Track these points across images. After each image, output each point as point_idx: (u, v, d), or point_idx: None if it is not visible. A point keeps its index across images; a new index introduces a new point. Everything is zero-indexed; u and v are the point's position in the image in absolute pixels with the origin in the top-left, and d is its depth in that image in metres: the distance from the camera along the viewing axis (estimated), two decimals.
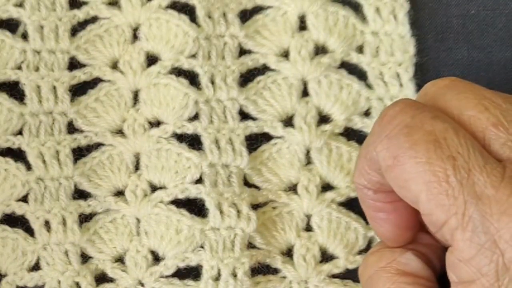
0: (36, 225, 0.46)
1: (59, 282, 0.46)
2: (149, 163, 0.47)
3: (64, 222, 0.46)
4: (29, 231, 0.46)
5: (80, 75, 0.48)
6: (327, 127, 0.48)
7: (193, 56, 0.48)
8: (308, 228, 0.48)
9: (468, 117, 0.35)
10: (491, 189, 0.33)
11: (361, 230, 0.47)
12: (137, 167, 0.48)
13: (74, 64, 0.48)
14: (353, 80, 0.49)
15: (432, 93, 0.37)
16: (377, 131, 0.36)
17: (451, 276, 0.35)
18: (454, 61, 0.50)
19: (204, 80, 0.48)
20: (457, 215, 0.33)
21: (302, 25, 0.49)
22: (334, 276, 0.47)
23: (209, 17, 0.49)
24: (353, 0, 0.50)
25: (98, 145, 0.48)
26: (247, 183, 0.48)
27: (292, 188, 0.48)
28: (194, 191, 0.47)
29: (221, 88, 0.48)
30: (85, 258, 0.47)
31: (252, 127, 0.48)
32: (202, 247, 0.46)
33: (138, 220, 0.47)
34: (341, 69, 0.49)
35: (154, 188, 0.47)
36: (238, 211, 0.46)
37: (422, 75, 0.49)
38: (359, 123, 0.48)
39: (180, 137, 0.48)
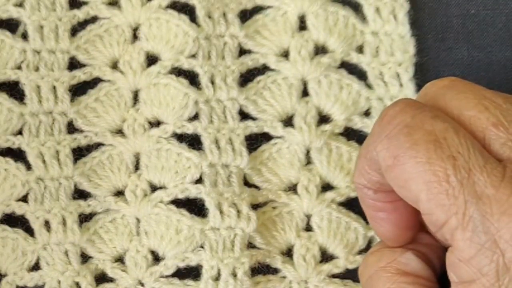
0: (36, 225, 0.46)
1: (59, 282, 0.46)
2: (149, 163, 0.47)
3: (64, 222, 0.46)
4: (29, 231, 0.46)
5: (80, 75, 0.48)
6: (327, 127, 0.48)
7: (193, 56, 0.48)
8: (308, 228, 0.48)
9: (468, 117, 0.35)
10: (491, 189, 0.33)
11: (361, 230, 0.47)
12: (137, 167, 0.48)
13: (74, 64, 0.48)
14: (353, 80, 0.49)
15: (432, 93, 0.37)
16: (377, 131, 0.36)
17: (452, 276, 0.35)
18: (454, 61, 0.50)
19: (204, 80, 0.48)
20: (457, 214, 0.33)
21: (302, 25, 0.49)
22: (334, 276, 0.47)
23: (209, 17, 0.49)
24: (353, 0, 0.50)
25: (98, 145, 0.48)
26: (247, 183, 0.48)
27: (292, 188, 0.48)
28: (194, 191, 0.47)
29: (221, 88, 0.48)
30: (85, 258, 0.47)
31: (252, 127, 0.48)
32: (202, 247, 0.46)
33: (138, 220, 0.47)
34: (341, 69, 0.49)
35: (154, 188, 0.47)
36: (238, 211, 0.46)
37: (422, 75, 0.49)
38: (359, 123, 0.48)
39: (180, 137, 0.48)
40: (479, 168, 0.33)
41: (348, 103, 0.48)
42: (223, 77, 0.48)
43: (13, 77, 0.47)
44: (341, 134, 0.49)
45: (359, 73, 0.49)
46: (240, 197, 0.47)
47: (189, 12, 0.49)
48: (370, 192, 0.39)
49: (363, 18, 0.49)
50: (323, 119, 0.49)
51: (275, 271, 0.47)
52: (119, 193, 0.48)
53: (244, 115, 0.48)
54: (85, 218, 0.47)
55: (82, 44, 0.48)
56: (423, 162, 0.34)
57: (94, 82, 0.48)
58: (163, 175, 0.47)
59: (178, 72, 0.48)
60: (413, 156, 0.34)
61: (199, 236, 0.46)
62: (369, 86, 0.49)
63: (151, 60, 0.49)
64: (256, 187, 0.48)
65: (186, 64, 0.48)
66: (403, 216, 0.39)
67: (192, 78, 0.48)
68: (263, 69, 0.49)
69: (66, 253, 0.46)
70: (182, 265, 0.46)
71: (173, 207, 0.47)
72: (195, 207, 0.47)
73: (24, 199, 0.46)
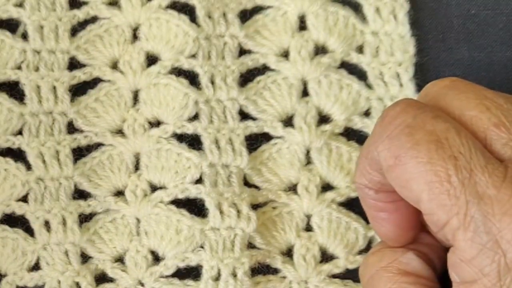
0: (36, 225, 0.46)
1: (59, 282, 0.46)
2: (149, 163, 0.47)
3: (64, 222, 0.46)
4: (29, 231, 0.46)
5: (80, 75, 0.48)
6: (327, 127, 0.48)
7: (193, 56, 0.48)
8: (308, 228, 0.48)
9: (469, 117, 0.35)
10: (493, 189, 0.33)
11: (361, 230, 0.47)
12: (137, 167, 0.48)
13: (74, 64, 0.48)
14: (353, 80, 0.49)
15: (433, 93, 0.37)
16: (378, 131, 0.36)
17: (453, 276, 0.35)
18: (454, 61, 0.50)
19: (204, 80, 0.48)
20: (459, 215, 0.33)
21: (302, 25, 0.49)
22: (334, 276, 0.47)
23: (209, 17, 0.49)
24: (353, 0, 0.50)
25: (98, 145, 0.48)
26: (247, 183, 0.48)
27: (292, 188, 0.48)
28: (194, 191, 0.47)
29: (221, 88, 0.48)
30: (85, 258, 0.46)
31: (252, 127, 0.48)
32: (202, 247, 0.46)
33: (138, 220, 0.47)
34: (341, 69, 0.49)
35: (154, 188, 0.47)
36: (238, 211, 0.46)
37: (422, 75, 0.49)
38: (359, 123, 0.48)
39: (180, 137, 0.48)
40: (481, 169, 0.33)
41: (348, 103, 0.48)
42: (223, 77, 0.48)
43: (13, 77, 0.47)
44: (341, 134, 0.49)
45: (359, 73, 0.49)
46: (240, 197, 0.47)
47: (189, 12, 0.49)
48: (371, 192, 0.39)
49: (363, 18, 0.49)
50: (323, 119, 0.49)
51: (275, 271, 0.47)
52: (119, 193, 0.47)
53: (244, 115, 0.48)
54: (85, 218, 0.47)
55: (82, 44, 0.48)
56: (425, 162, 0.34)
57: (94, 82, 0.48)
58: (163, 175, 0.47)
59: (178, 72, 0.48)
60: (414, 156, 0.34)
61: (199, 236, 0.46)
62: (369, 86, 0.49)
63: (151, 60, 0.49)
64: (256, 187, 0.48)
65: (186, 64, 0.48)
66: (404, 216, 0.39)
67: (192, 78, 0.48)
68: (263, 69, 0.49)
69: (66, 253, 0.46)
70: (182, 265, 0.46)
71: (173, 207, 0.47)
72: (195, 207, 0.47)
73: (24, 199, 0.46)
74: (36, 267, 0.46)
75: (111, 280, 0.47)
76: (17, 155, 0.47)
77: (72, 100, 0.48)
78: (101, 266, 0.47)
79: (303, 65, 0.48)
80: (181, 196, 0.47)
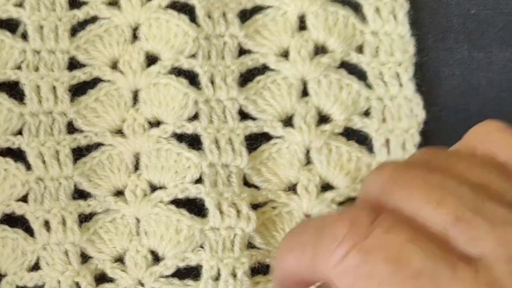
0: (36, 225, 0.46)
1: (59, 282, 0.46)
2: (149, 163, 0.47)
3: (64, 222, 0.46)
4: (29, 231, 0.46)
5: (80, 75, 0.48)
6: (327, 127, 0.48)
7: (193, 56, 0.48)
8: None
9: (423, 218, 0.30)
10: None
11: None
12: (137, 167, 0.48)
13: (74, 64, 0.48)
14: (353, 80, 0.49)
15: (376, 190, 0.33)
16: (325, 253, 0.31)
17: None
18: (454, 61, 0.50)
19: (204, 80, 0.48)
20: None
21: (302, 25, 0.49)
22: None
23: (209, 17, 0.49)
24: (353, 0, 0.50)
25: (98, 145, 0.48)
26: (247, 183, 0.48)
27: (292, 188, 0.48)
28: (194, 191, 0.47)
29: (221, 88, 0.48)
30: (85, 258, 0.47)
31: (252, 127, 0.48)
32: (202, 247, 0.46)
33: (138, 220, 0.47)
34: (341, 69, 0.49)
35: (154, 188, 0.47)
36: (238, 211, 0.46)
37: (422, 75, 0.49)
38: (359, 123, 0.48)
39: (180, 137, 0.48)
40: (449, 280, 0.29)
41: (348, 103, 0.48)
42: (223, 77, 0.48)
43: (13, 77, 0.47)
44: (341, 134, 0.49)
45: (359, 73, 0.49)
46: (240, 197, 0.47)
47: (189, 12, 0.49)
48: None
49: (363, 18, 0.49)
50: (323, 119, 0.49)
51: None
52: (119, 193, 0.47)
53: (244, 115, 0.48)
54: (85, 218, 0.47)
55: (82, 44, 0.48)
56: (387, 284, 0.29)
57: (94, 82, 0.48)
58: (163, 175, 0.47)
59: (178, 72, 0.48)
60: (371, 278, 0.30)
61: (199, 236, 0.46)
62: (369, 86, 0.49)
63: (151, 60, 0.49)
64: (256, 187, 0.48)
65: (186, 64, 0.48)
66: None
67: (192, 78, 0.48)
68: (263, 69, 0.49)
69: (66, 253, 0.46)
70: (182, 265, 0.46)
71: (173, 207, 0.47)
72: (195, 207, 0.47)
73: (24, 199, 0.46)
74: (36, 267, 0.46)
75: (111, 280, 0.47)
76: (17, 155, 0.47)
77: (72, 100, 0.48)
78: (101, 266, 0.47)
79: (303, 65, 0.48)
80: (181, 196, 0.47)
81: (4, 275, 0.46)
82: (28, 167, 0.47)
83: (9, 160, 0.47)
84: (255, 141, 0.48)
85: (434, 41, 0.50)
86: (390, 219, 0.31)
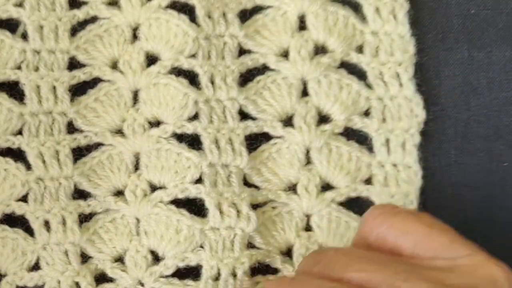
0: (35, 225, 0.46)
1: (59, 282, 0.46)
2: (149, 163, 0.47)
3: (64, 222, 0.46)
4: (29, 231, 0.46)
5: (80, 75, 0.48)
6: (326, 127, 0.48)
7: (193, 56, 0.48)
8: (308, 228, 0.48)
9: None
10: None
11: None
12: (137, 167, 0.48)
13: (74, 64, 0.48)
14: (353, 80, 0.49)
15: None
16: None
17: None
18: (454, 61, 0.50)
19: (204, 80, 0.48)
20: None
21: (302, 25, 0.49)
22: None
23: (209, 17, 0.49)
24: (353, 0, 0.50)
25: (98, 145, 0.48)
26: (246, 183, 0.48)
27: (292, 188, 0.48)
28: (194, 191, 0.47)
29: (220, 88, 0.48)
30: (85, 258, 0.47)
31: (252, 127, 0.48)
32: (202, 247, 0.46)
33: (138, 220, 0.47)
34: (341, 69, 0.49)
35: (154, 188, 0.47)
36: (238, 211, 0.46)
37: (422, 75, 0.49)
38: (359, 123, 0.48)
39: (180, 137, 0.48)
40: None
41: (348, 103, 0.48)
42: (223, 77, 0.48)
43: (13, 77, 0.47)
44: (341, 134, 0.49)
45: (359, 73, 0.49)
46: (240, 197, 0.47)
47: (189, 12, 0.49)
48: None
49: (363, 18, 0.49)
50: (323, 119, 0.49)
51: (275, 271, 0.47)
52: (119, 193, 0.48)
53: (244, 115, 0.48)
54: (85, 218, 0.47)
55: (82, 44, 0.48)
56: None
57: (94, 82, 0.48)
58: (163, 175, 0.47)
59: (178, 72, 0.48)
60: None
61: (199, 236, 0.46)
62: (369, 86, 0.49)
63: (151, 60, 0.49)
64: (256, 187, 0.48)
65: (186, 64, 0.48)
66: None
67: (192, 78, 0.48)
68: (263, 69, 0.49)
69: (66, 253, 0.46)
70: (182, 265, 0.46)
71: (173, 207, 0.47)
72: (195, 207, 0.47)
73: (24, 199, 0.46)
74: (36, 267, 0.46)
75: (111, 280, 0.47)
76: (17, 155, 0.47)
77: (72, 100, 0.48)
78: (101, 266, 0.47)
79: (303, 65, 0.48)
80: (181, 196, 0.47)
81: (4, 275, 0.46)
82: (28, 167, 0.47)
83: (9, 160, 0.47)
84: (255, 141, 0.48)
85: (434, 41, 0.50)
86: None
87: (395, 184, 0.48)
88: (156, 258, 0.47)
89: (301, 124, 0.48)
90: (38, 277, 0.46)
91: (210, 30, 0.48)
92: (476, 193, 0.49)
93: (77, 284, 0.46)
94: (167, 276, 0.46)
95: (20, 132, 0.47)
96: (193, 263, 0.46)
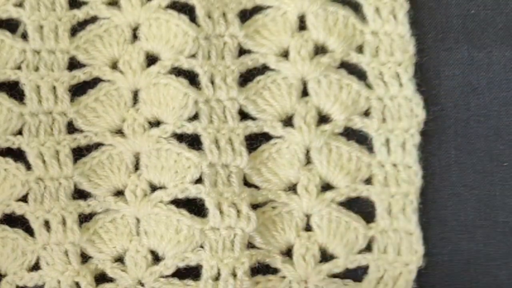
0: (36, 225, 0.46)
1: (59, 282, 0.46)
2: (149, 163, 0.47)
3: (64, 222, 0.46)
4: (29, 231, 0.46)
5: (80, 75, 0.48)
6: (327, 127, 0.48)
7: (193, 56, 0.48)
8: (308, 228, 0.48)
9: None
10: None
11: (361, 229, 0.47)
12: (137, 167, 0.48)
13: (74, 64, 0.48)
14: (352, 80, 0.49)
15: None
16: None
17: None
18: (454, 61, 0.50)
19: (204, 80, 0.48)
20: None
21: (302, 25, 0.49)
22: (334, 275, 0.47)
23: (209, 17, 0.49)
24: (353, 0, 0.50)
25: (98, 145, 0.48)
26: (246, 183, 0.48)
27: (292, 188, 0.48)
28: (194, 191, 0.47)
29: (220, 88, 0.48)
30: (85, 258, 0.47)
31: (252, 127, 0.48)
32: (202, 247, 0.46)
33: (138, 220, 0.47)
34: (341, 69, 0.49)
35: (154, 188, 0.47)
36: (238, 211, 0.46)
37: (422, 75, 0.49)
38: (359, 123, 0.48)
39: (180, 137, 0.48)
40: None
41: (348, 103, 0.48)
42: (223, 77, 0.48)
43: (13, 77, 0.47)
44: (341, 134, 0.49)
45: (359, 73, 0.49)
46: (240, 197, 0.47)
47: (189, 12, 0.49)
48: None
49: (363, 18, 0.49)
50: (323, 119, 0.49)
51: (275, 271, 0.47)
52: (119, 193, 0.48)
53: (244, 115, 0.48)
54: (85, 218, 0.47)
55: (82, 44, 0.48)
56: None
57: (94, 82, 0.48)
58: (163, 175, 0.47)
59: (178, 72, 0.48)
60: None
61: (199, 236, 0.46)
62: (369, 86, 0.49)
63: (151, 60, 0.49)
64: (256, 187, 0.48)
65: (186, 64, 0.48)
66: None
67: (192, 78, 0.48)
68: (263, 69, 0.49)
69: (66, 253, 0.46)
70: (182, 265, 0.46)
71: (173, 207, 0.47)
72: (195, 207, 0.47)
73: (24, 199, 0.46)
74: (36, 267, 0.46)
75: (111, 280, 0.47)
76: (17, 155, 0.47)
77: (72, 100, 0.48)
78: (101, 266, 0.47)
79: (303, 65, 0.48)
80: (181, 196, 0.47)
81: (4, 275, 0.46)
82: (28, 167, 0.47)
83: (9, 160, 0.47)
84: (255, 141, 0.48)
85: (434, 41, 0.50)
86: None
87: (395, 184, 0.48)
88: (156, 258, 0.47)
89: (301, 124, 0.48)
90: (38, 277, 0.46)
91: (210, 30, 0.48)
92: (476, 193, 0.49)
93: (77, 284, 0.46)
94: (167, 276, 0.46)
95: (20, 132, 0.47)
96: (193, 263, 0.46)
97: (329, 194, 0.48)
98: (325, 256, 0.48)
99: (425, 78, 0.49)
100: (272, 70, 0.49)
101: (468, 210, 0.49)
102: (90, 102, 0.48)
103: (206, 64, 0.48)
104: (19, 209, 0.46)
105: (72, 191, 0.47)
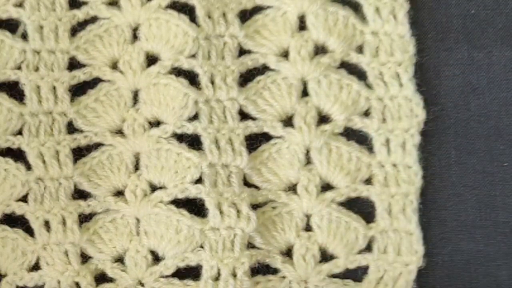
0: (36, 225, 0.46)
1: (59, 282, 0.46)
2: (149, 163, 0.47)
3: (64, 222, 0.46)
4: (29, 231, 0.46)
5: (80, 75, 0.48)
6: (327, 127, 0.48)
7: (193, 56, 0.48)
8: (308, 228, 0.48)
9: None
10: None
11: (361, 229, 0.47)
12: (137, 167, 0.48)
13: (74, 64, 0.48)
14: (352, 80, 0.49)
15: None
16: None
17: None
18: (454, 61, 0.50)
19: (204, 80, 0.48)
20: None
21: (302, 25, 0.49)
22: (334, 275, 0.47)
23: (209, 17, 0.49)
24: (353, 0, 0.50)
25: (98, 145, 0.48)
26: (246, 183, 0.48)
27: (292, 188, 0.48)
28: (194, 191, 0.47)
29: (221, 88, 0.48)
30: (85, 258, 0.47)
31: (252, 127, 0.48)
32: (202, 247, 0.46)
33: (138, 220, 0.47)
34: (341, 69, 0.49)
35: (154, 188, 0.47)
36: (238, 211, 0.46)
37: (422, 75, 0.49)
38: (359, 123, 0.48)
39: (180, 137, 0.48)
40: None
41: (348, 103, 0.48)
42: (223, 77, 0.48)
43: (13, 77, 0.47)
44: (341, 134, 0.49)
45: (359, 73, 0.49)
46: (240, 197, 0.47)
47: (189, 12, 0.49)
48: None
49: (363, 18, 0.49)
50: (323, 119, 0.49)
51: (275, 271, 0.47)
52: (119, 193, 0.48)
53: (244, 115, 0.48)
54: (85, 218, 0.47)
55: (82, 44, 0.48)
56: None
57: (94, 82, 0.48)
58: (163, 175, 0.47)
59: (178, 72, 0.48)
60: None
61: (199, 236, 0.46)
62: (369, 86, 0.49)
63: (151, 60, 0.49)
64: (256, 187, 0.48)
65: (186, 64, 0.48)
66: None
67: (192, 78, 0.48)
68: (263, 69, 0.49)
69: (66, 253, 0.46)
70: (182, 265, 0.46)
71: (173, 207, 0.47)
72: (195, 207, 0.47)
73: (24, 199, 0.46)
74: (36, 267, 0.46)
75: (111, 280, 0.47)
76: (17, 155, 0.47)
77: (72, 100, 0.48)
78: (101, 266, 0.47)
79: (303, 65, 0.48)
80: (181, 196, 0.47)
81: (4, 275, 0.46)
82: (28, 167, 0.47)
83: (9, 160, 0.47)
84: (255, 141, 0.48)
85: (434, 41, 0.50)
86: None
87: (395, 184, 0.48)
88: (156, 258, 0.47)
89: (301, 124, 0.48)
90: (38, 277, 0.46)
91: (210, 30, 0.48)
92: (476, 193, 0.49)
93: (77, 284, 0.46)
94: (167, 276, 0.46)
95: (20, 132, 0.47)
96: (193, 263, 0.46)
97: (329, 194, 0.48)
98: (325, 256, 0.48)
99: (425, 78, 0.49)
100: (272, 70, 0.49)
101: (468, 210, 0.49)
102: (90, 102, 0.48)
103: (206, 64, 0.48)
104: (19, 209, 0.46)
105: (72, 191, 0.47)
